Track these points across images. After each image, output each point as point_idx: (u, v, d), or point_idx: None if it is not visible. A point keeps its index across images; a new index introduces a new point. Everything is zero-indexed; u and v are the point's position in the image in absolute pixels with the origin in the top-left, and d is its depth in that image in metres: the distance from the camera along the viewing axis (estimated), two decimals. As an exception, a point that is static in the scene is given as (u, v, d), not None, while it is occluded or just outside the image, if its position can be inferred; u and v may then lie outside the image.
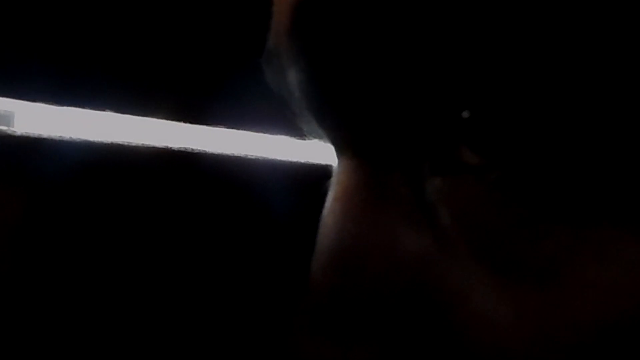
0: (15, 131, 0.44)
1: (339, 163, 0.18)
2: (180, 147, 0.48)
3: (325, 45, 0.16)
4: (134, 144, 0.48)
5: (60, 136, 0.44)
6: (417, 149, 0.16)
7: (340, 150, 0.18)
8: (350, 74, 0.16)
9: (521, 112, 0.14)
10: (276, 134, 0.59)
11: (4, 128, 0.44)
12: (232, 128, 0.55)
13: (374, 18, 0.15)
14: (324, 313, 0.17)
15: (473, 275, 0.15)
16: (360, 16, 0.15)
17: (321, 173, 0.57)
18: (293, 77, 0.17)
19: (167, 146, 0.48)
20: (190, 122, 0.52)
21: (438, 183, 0.16)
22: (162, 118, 0.50)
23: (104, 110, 0.45)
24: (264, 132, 0.58)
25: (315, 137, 0.20)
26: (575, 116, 0.14)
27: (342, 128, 0.17)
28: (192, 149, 0.48)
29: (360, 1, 0.15)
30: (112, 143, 0.45)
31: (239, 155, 0.53)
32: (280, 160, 0.56)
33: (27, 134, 0.43)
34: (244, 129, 0.56)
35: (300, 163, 0.59)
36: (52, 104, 0.44)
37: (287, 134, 0.60)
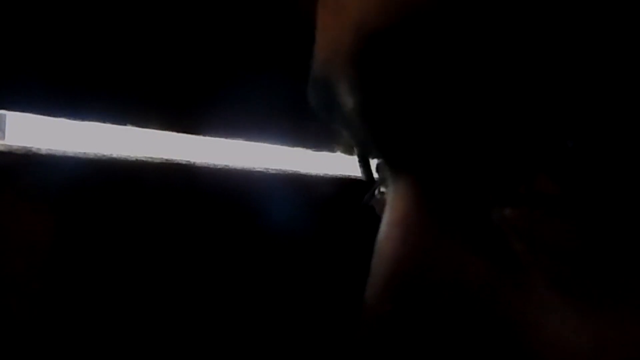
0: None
1: (394, 185, 0.17)
2: (177, 159, 0.47)
3: (395, 75, 0.15)
4: (128, 156, 0.47)
5: (53, 149, 0.44)
6: (486, 177, 0.15)
7: (397, 173, 0.17)
8: (422, 103, 0.15)
9: (611, 141, 0.13)
10: (272, 143, 0.59)
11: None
12: (226, 138, 0.54)
13: (449, 51, 0.14)
14: (389, 342, 0.16)
15: (550, 304, 0.14)
16: (436, 48, 0.14)
17: (317, 182, 0.56)
18: (351, 102, 0.17)
19: (163, 158, 0.47)
20: (184, 132, 0.52)
21: (509, 213, 0.15)
22: (155, 128, 0.50)
23: (104, 123, 0.45)
24: (258, 142, 0.58)
25: (365, 155, 0.20)
26: None
27: (404, 154, 0.17)
28: (188, 161, 0.48)
29: (437, 34, 0.14)
30: (108, 156, 0.44)
31: (233, 166, 0.53)
32: (277, 171, 0.55)
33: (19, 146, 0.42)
34: (238, 139, 0.56)
35: (298, 173, 0.58)
36: (44, 115, 0.43)
37: (282, 144, 0.60)
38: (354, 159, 0.64)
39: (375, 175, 0.23)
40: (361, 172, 0.62)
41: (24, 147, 0.42)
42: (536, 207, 0.15)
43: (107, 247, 0.44)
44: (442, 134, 0.15)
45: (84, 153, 0.43)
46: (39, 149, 0.42)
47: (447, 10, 0.14)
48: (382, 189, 0.23)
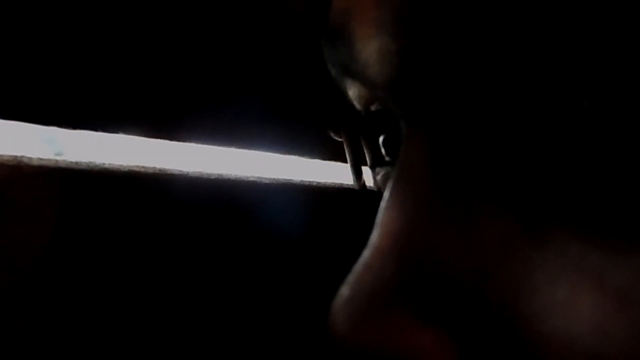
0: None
1: (407, 143, 0.17)
2: (169, 168, 0.47)
3: (429, 24, 0.15)
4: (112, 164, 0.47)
5: (44, 159, 0.43)
6: (505, 133, 0.15)
7: (411, 128, 0.17)
8: (449, 56, 0.15)
9: (627, 104, 0.13)
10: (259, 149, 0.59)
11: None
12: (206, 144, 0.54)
13: (482, 6, 0.14)
14: (401, 289, 0.16)
15: (570, 258, 0.14)
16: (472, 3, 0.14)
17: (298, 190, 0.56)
18: (373, 47, 0.16)
19: (157, 167, 0.47)
20: (163, 139, 0.51)
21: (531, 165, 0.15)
22: (142, 136, 0.49)
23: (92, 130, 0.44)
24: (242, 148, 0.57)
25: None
26: None
27: (425, 105, 0.16)
28: (181, 171, 0.48)
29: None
30: (100, 166, 0.44)
31: (227, 175, 0.52)
32: (271, 180, 0.55)
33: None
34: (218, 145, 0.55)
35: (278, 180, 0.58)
36: (29, 123, 0.43)
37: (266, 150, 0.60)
38: (346, 166, 0.64)
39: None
40: (352, 177, 0.61)
41: (14, 157, 0.41)
42: (560, 160, 0.14)
43: (101, 258, 0.44)
44: (465, 86, 0.15)
45: (76, 163, 0.43)
46: (30, 158, 0.42)
47: None
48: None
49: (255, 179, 0.52)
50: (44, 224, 0.41)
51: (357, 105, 0.22)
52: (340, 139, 0.61)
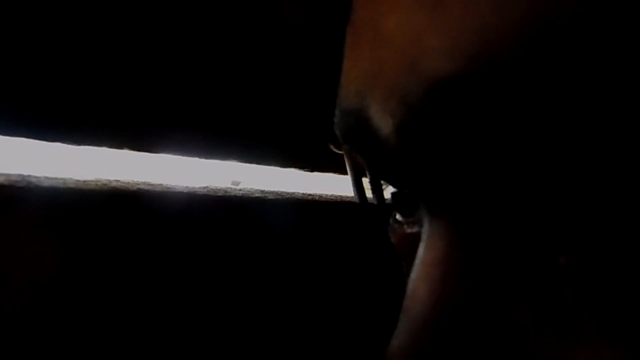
0: None
1: (431, 223, 0.17)
2: (154, 182, 0.47)
3: (452, 121, 0.15)
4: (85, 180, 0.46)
5: (50, 177, 0.43)
6: (537, 225, 0.15)
7: (435, 212, 0.17)
8: (474, 150, 0.15)
9: None
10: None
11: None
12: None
13: (518, 105, 0.14)
14: None
15: (602, 355, 0.14)
16: (503, 101, 0.14)
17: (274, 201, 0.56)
18: (393, 139, 0.16)
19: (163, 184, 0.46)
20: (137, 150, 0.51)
21: (563, 261, 0.15)
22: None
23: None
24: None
25: (400, 188, 0.19)
26: None
27: (449, 195, 0.16)
28: (161, 184, 0.47)
29: (509, 87, 0.14)
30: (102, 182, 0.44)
31: (213, 188, 0.52)
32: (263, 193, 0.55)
33: None
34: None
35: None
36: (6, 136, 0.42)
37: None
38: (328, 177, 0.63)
39: (384, 199, 0.22)
40: (353, 190, 0.61)
41: (22, 177, 0.41)
42: (592, 258, 0.14)
43: (111, 274, 0.43)
44: (491, 180, 0.15)
45: (84, 182, 0.42)
46: (38, 178, 0.41)
47: (529, 63, 0.13)
48: (399, 218, 0.22)
49: (249, 192, 0.52)
50: (54, 244, 0.41)
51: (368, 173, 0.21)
52: (340, 152, 0.61)
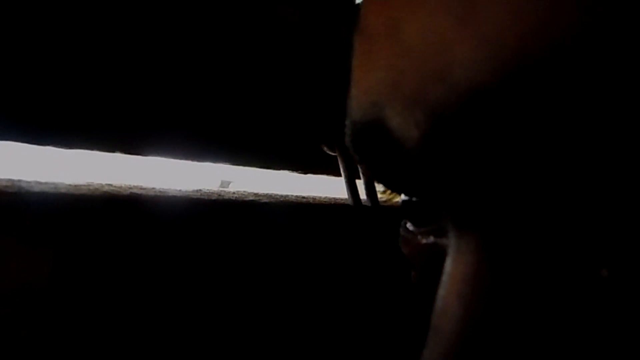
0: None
1: (457, 238, 0.17)
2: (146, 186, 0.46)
3: (483, 134, 0.14)
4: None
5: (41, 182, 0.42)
6: (575, 238, 0.15)
7: (461, 226, 0.16)
8: (504, 165, 0.14)
9: None
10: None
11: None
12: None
13: (553, 116, 0.13)
14: None
15: None
16: (537, 113, 0.13)
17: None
18: (419, 153, 0.16)
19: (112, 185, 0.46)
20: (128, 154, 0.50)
21: (605, 274, 0.14)
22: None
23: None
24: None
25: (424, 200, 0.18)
26: None
27: (478, 211, 0.16)
28: (154, 188, 0.47)
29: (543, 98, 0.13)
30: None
31: (206, 192, 0.52)
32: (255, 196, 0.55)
33: None
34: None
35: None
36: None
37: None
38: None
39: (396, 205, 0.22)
40: (347, 193, 0.61)
41: (12, 182, 0.40)
42: (635, 269, 0.14)
43: (105, 278, 0.43)
44: (524, 192, 0.14)
45: (75, 186, 0.42)
46: (28, 183, 0.40)
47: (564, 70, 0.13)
48: (411, 228, 0.22)
49: (242, 195, 0.52)
50: (46, 250, 0.40)
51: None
52: (334, 154, 0.61)
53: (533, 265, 0.15)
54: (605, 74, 0.13)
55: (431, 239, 0.20)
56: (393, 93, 0.16)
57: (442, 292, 0.17)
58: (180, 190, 0.47)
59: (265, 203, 0.53)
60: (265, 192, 0.56)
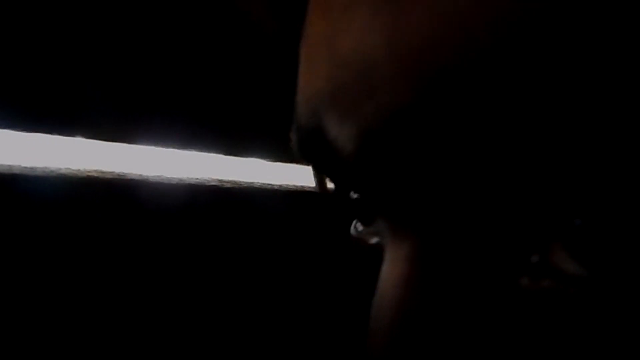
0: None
1: (393, 240, 0.17)
2: (129, 173, 0.46)
3: (413, 143, 0.15)
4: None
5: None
6: (497, 243, 0.15)
7: (397, 228, 0.17)
8: (435, 169, 0.15)
9: (620, 222, 0.14)
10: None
11: None
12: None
13: (472, 125, 0.14)
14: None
15: None
16: (459, 122, 0.14)
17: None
18: (356, 160, 0.16)
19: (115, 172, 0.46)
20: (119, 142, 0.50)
21: (526, 282, 0.15)
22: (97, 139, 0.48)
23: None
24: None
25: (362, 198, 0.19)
26: None
27: (410, 212, 0.16)
28: (141, 175, 0.47)
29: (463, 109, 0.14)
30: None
31: (187, 179, 0.52)
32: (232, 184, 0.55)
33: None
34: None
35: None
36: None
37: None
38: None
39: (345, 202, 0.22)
40: (315, 181, 0.61)
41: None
42: (554, 282, 0.14)
43: (58, 261, 0.43)
44: (453, 198, 0.15)
45: (31, 168, 0.42)
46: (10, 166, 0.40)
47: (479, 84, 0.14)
48: (359, 228, 0.23)
49: (216, 183, 0.52)
50: (28, 234, 0.40)
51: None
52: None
53: (458, 272, 0.16)
54: (508, 93, 0.13)
55: (376, 239, 0.20)
56: (330, 105, 0.16)
57: (377, 292, 0.18)
58: (140, 175, 0.47)
59: (229, 189, 0.53)
60: (232, 179, 0.56)
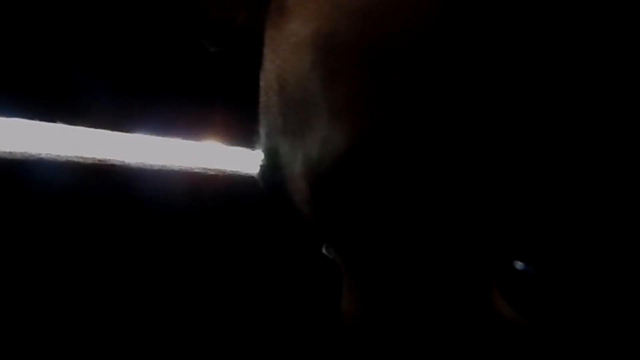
0: None
1: (348, 274, 0.18)
2: (110, 159, 0.45)
3: (357, 187, 0.15)
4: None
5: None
6: (442, 283, 0.16)
7: (350, 269, 0.18)
8: (382, 214, 0.15)
9: (563, 268, 0.14)
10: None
11: None
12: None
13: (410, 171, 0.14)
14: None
15: None
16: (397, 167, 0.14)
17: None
18: (306, 207, 0.17)
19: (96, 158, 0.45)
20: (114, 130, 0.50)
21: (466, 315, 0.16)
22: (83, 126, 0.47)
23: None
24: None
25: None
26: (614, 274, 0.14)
27: (360, 257, 0.17)
28: (122, 161, 0.46)
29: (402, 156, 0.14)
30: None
31: (170, 166, 0.51)
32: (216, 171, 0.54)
33: None
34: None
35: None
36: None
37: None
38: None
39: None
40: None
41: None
42: (491, 321, 0.15)
43: (37, 248, 0.42)
44: (397, 241, 0.16)
45: (10, 153, 0.41)
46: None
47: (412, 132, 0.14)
48: (325, 250, 0.23)
49: (200, 170, 0.52)
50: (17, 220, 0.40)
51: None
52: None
53: (402, 306, 0.16)
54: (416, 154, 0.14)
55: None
56: (285, 142, 0.17)
57: (342, 307, 0.19)
58: (121, 161, 0.47)
59: (230, 176, 0.52)
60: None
